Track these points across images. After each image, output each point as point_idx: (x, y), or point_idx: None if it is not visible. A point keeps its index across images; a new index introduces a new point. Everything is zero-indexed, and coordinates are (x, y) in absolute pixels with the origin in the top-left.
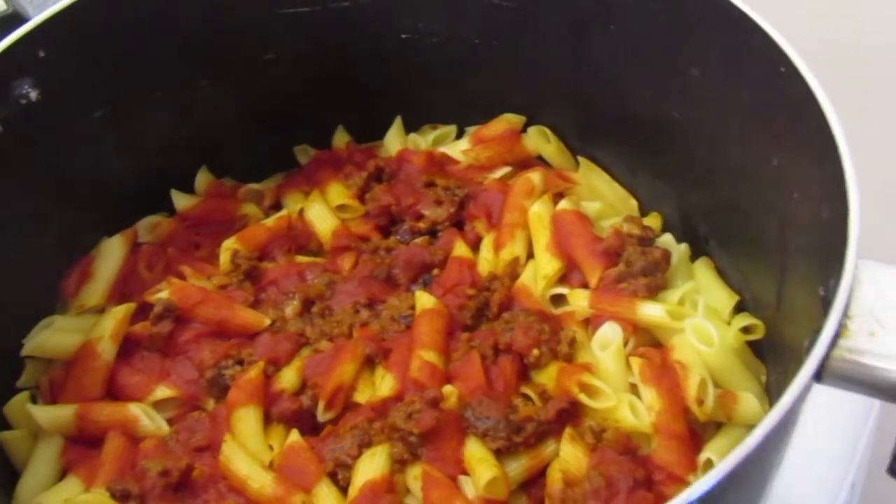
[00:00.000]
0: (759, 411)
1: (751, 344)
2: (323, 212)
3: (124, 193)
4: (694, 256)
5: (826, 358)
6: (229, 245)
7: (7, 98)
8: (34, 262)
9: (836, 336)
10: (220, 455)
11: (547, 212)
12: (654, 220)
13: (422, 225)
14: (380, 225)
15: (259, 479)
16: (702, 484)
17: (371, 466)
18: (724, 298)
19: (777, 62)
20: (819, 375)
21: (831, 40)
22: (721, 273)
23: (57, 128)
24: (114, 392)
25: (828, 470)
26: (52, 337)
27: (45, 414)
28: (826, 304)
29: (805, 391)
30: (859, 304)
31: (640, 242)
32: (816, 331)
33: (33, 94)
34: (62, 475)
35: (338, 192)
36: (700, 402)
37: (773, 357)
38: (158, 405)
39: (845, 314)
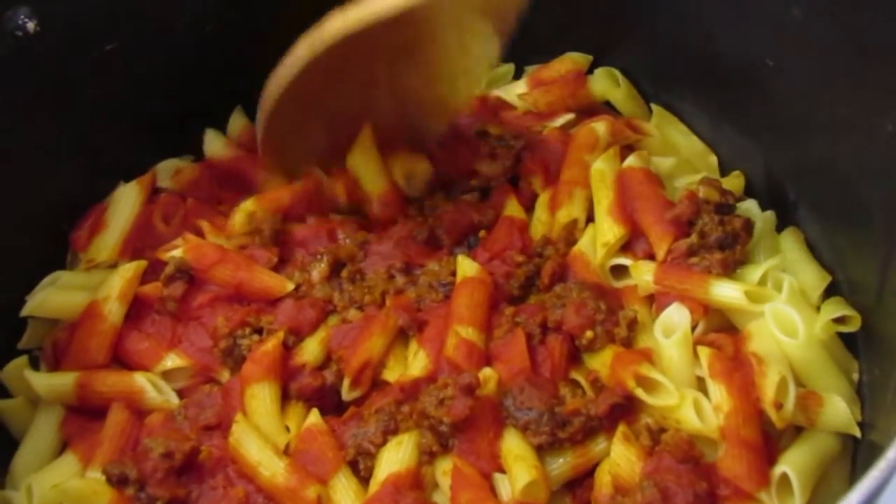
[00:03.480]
0: (847, 418)
1: (842, 334)
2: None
3: (143, 135)
4: (781, 226)
5: None
6: (246, 207)
7: (1, 30)
8: (43, 209)
9: None
10: (229, 437)
11: (611, 169)
12: (735, 181)
13: (475, 182)
14: None
15: (271, 467)
16: None
17: (396, 457)
18: (814, 278)
19: None
20: None
21: None
22: (812, 247)
23: (61, 62)
24: (121, 358)
25: None
26: (57, 295)
27: (44, 382)
28: None
29: None
30: None
31: (717, 210)
32: None
33: (31, 25)
34: (63, 447)
35: None
36: (778, 406)
37: (868, 352)
38: (168, 375)
39: None
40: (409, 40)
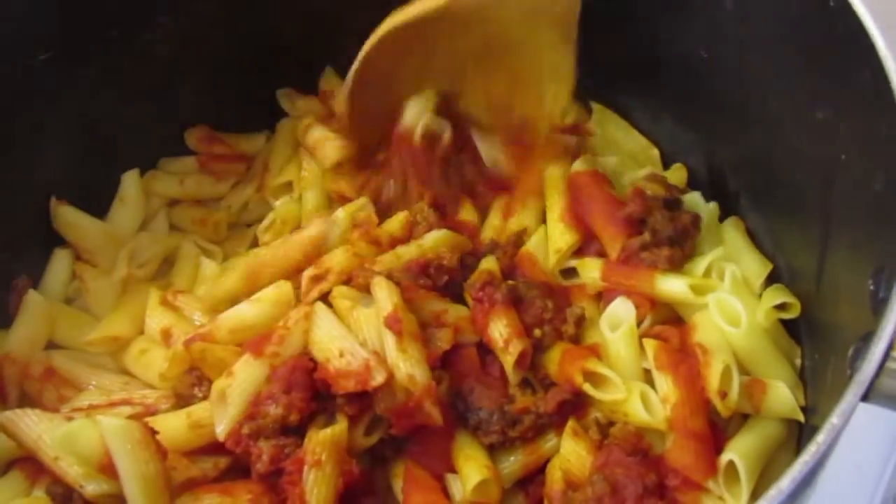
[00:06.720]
0: (791, 403)
1: (785, 321)
2: None
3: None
4: (722, 216)
5: (876, 375)
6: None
7: None
8: None
9: (890, 348)
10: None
11: (563, 173)
12: (678, 173)
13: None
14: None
15: None
16: None
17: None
18: (756, 266)
19: None
20: (866, 395)
21: None
22: (753, 236)
23: None
24: None
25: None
26: None
27: None
28: (878, 301)
29: (848, 417)
30: None
31: (665, 205)
32: (865, 338)
33: None
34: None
35: None
36: (723, 395)
37: (810, 338)
38: None
39: None
40: (487, 40)
